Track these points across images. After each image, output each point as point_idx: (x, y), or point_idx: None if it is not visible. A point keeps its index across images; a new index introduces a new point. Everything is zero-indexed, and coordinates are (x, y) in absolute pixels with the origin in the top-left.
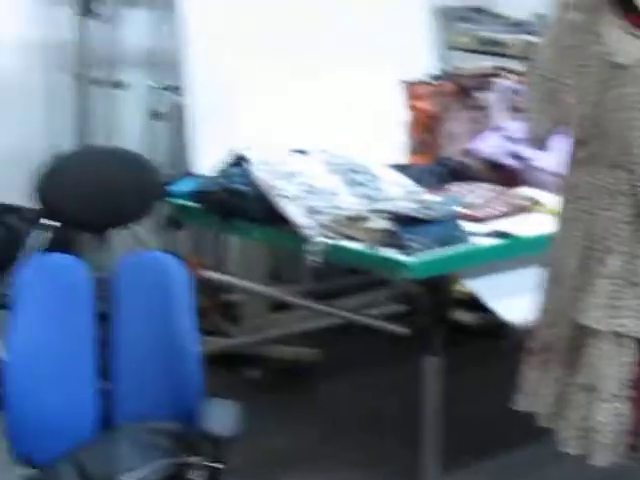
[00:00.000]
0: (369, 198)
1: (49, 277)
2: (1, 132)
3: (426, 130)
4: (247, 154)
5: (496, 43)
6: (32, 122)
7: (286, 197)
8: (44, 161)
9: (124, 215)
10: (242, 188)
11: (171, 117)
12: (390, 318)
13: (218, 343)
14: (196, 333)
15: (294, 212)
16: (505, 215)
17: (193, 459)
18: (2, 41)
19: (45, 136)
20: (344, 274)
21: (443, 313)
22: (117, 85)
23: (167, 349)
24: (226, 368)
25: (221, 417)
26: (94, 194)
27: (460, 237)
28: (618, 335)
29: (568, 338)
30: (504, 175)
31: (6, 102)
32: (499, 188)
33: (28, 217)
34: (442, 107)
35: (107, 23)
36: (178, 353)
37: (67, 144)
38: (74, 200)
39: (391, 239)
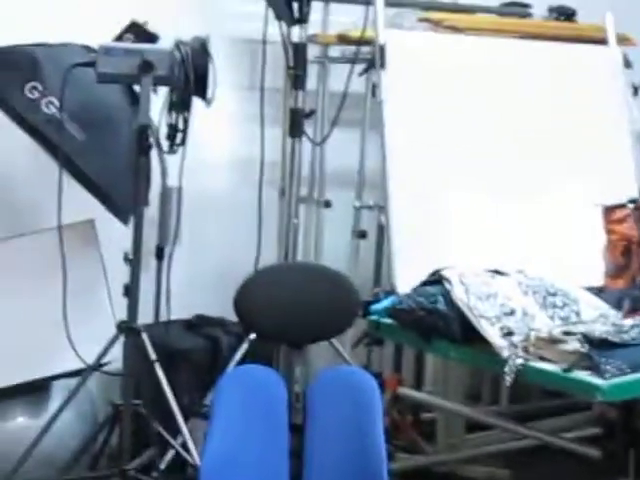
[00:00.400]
0: (564, 320)
1: (247, 388)
2: (211, 245)
3: (624, 254)
4: (446, 273)
5: None
6: (240, 237)
7: (484, 318)
8: (246, 275)
9: (323, 330)
10: (441, 307)
11: (375, 236)
12: (586, 440)
13: (413, 460)
14: (386, 449)
15: (491, 333)
16: None
17: None
18: (218, 158)
19: (252, 251)
20: (542, 396)
21: (638, 436)
22: (323, 204)
23: (357, 463)
24: None
25: None
26: (293, 309)
27: None
28: None
29: None
30: None
31: (217, 216)
32: None
33: (231, 330)
34: None
35: (316, 144)
36: (368, 467)
37: (272, 259)
38: (271, 315)
39: (585, 362)
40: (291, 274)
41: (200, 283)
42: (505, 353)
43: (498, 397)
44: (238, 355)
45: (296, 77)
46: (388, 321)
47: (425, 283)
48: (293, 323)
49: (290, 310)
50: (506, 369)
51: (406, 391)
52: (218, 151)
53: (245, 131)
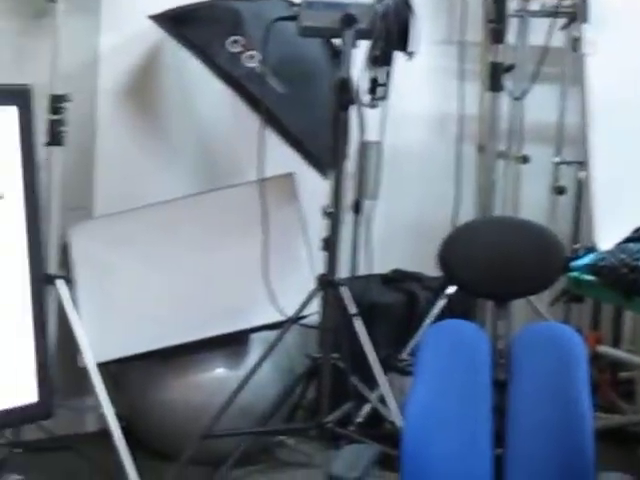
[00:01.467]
0: None
1: (449, 343)
2: (408, 200)
3: None
4: None
5: None
6: (438, 191)
7: None
8: (447, 230)
9: (526, 286)
10: None
11: (574, 192)
12: None
13: (611, 419)
14: (591, 406)
15: None
16: None
17: None
18: (416, 113)
19: (449, 206)
20: None
21: None
22: (522, 159)
23: (561, 419)
24: (618, 444)
25: None
26: (496, 264)
27: None
28: None
29: None
30: None
31: (415, 171)
32: None
33: (429, 285)
34: None
35: (515, 99)
36: (572, 424)
37: (470, 214)
38: (475, 269)
39: None
40: (492, 229)
41: (397, 237)
42: None
43: None
44: (436, 310)
45: (495, 31)
46: (589, 278)
47: (628, 240)
48: (494, 278)
49: (496, 265)
50: None
51: (605, 349)
52: (416, 106)
53: (443, 85)
